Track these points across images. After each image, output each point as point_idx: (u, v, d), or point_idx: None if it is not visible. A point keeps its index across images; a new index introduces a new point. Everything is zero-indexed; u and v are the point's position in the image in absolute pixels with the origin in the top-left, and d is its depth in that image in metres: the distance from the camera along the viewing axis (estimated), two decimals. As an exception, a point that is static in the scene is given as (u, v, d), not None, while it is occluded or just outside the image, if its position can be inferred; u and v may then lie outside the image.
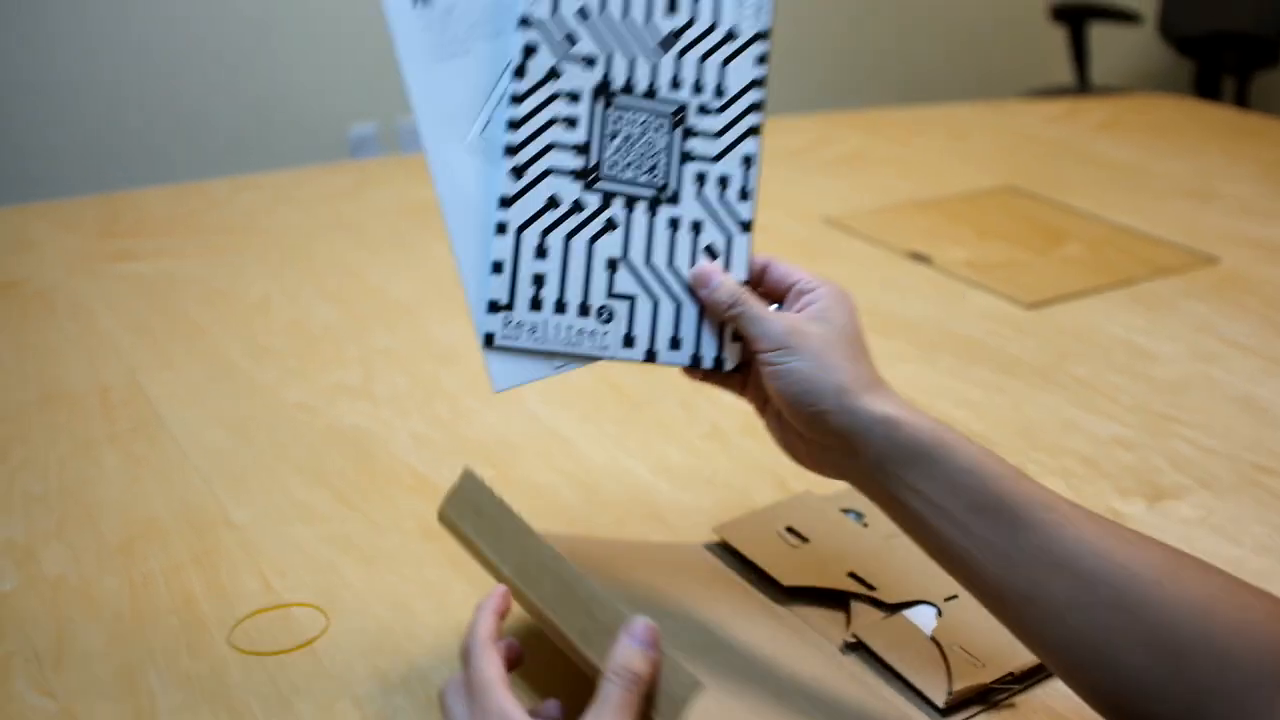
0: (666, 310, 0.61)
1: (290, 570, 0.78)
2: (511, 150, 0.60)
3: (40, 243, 1.37)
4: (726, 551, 0.79)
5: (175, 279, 1.26)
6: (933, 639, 0.70)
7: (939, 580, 0.74)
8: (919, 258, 1.35)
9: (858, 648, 0.70)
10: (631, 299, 0.61)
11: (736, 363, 0.63)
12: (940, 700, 0.65)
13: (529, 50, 0.59)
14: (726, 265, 0.63)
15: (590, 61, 0.60)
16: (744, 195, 0.62)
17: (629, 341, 0.61)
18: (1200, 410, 1.02)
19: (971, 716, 0.66)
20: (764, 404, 0.66)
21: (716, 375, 0.65)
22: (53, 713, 0.66)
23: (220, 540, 0.82)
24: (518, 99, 0.59)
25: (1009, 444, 0.95)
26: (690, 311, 0.62)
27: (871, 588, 0.74)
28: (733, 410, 1.00)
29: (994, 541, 0.57)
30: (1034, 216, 1.51)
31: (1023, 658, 0.68)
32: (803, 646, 0.70)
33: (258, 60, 2.76)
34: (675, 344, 0.62)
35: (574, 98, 0.59)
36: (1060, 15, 3.35)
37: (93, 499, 0.87)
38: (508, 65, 0.60)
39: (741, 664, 0.67)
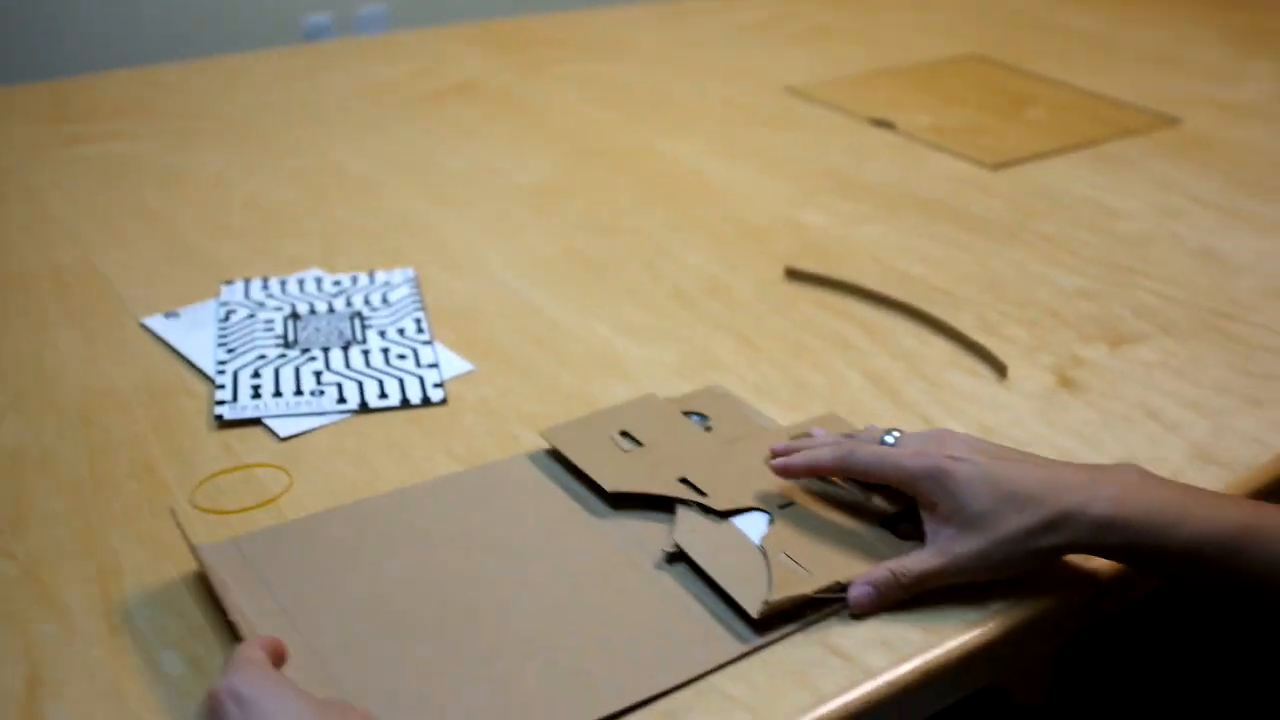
0: (370, 384, 0.83)
1: (252, 436, 0.78)
2: (223, 344, 0.88)
3: (-12, 130, 1.34)
4: (556, 460, 0.75)
5: (128, 162, 1.24)
6: (759, 547, 0.65)
7: (775, 486, 0.70)
8: (882, 124, 1.34)
9: (679, 558, 0.65)
10: (338, 384, 0.83)
11: (444, 398, 0.81)
12: (754, 610, 0.60)
13: (229, 313, 0.92)
14: (417, 362, 0.86)
15: (279, 309, 0.93)
16: (420, 330, 0.90)
17: (341, 400, 0.81)
18: (1162, 263, 1.02)
19: (787, 635, 0.61)
20: None
21: None
22: (14, 575, 0.66)
23: (180, 409, 0.81)
24: (224, 329, 0.90)
25: (975, 297, 0.95)
26: (393, 382, 0.83)
27: (702, 494, 0.69)
28: (696, 273, 1.00)
29: None
30: (998, 83, 1.49)
31: (854, 568, 0.64)
32: (616, 558, 0.66)
33: (207, -49, 2.69)
34: (383, 394, 0.82)
35: (269, 321, 0.91)
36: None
37: (49, 373, 0.86)
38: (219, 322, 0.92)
39: (548, 581, 0.64)
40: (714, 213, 1.11)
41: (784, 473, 0.68)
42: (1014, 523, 0.60)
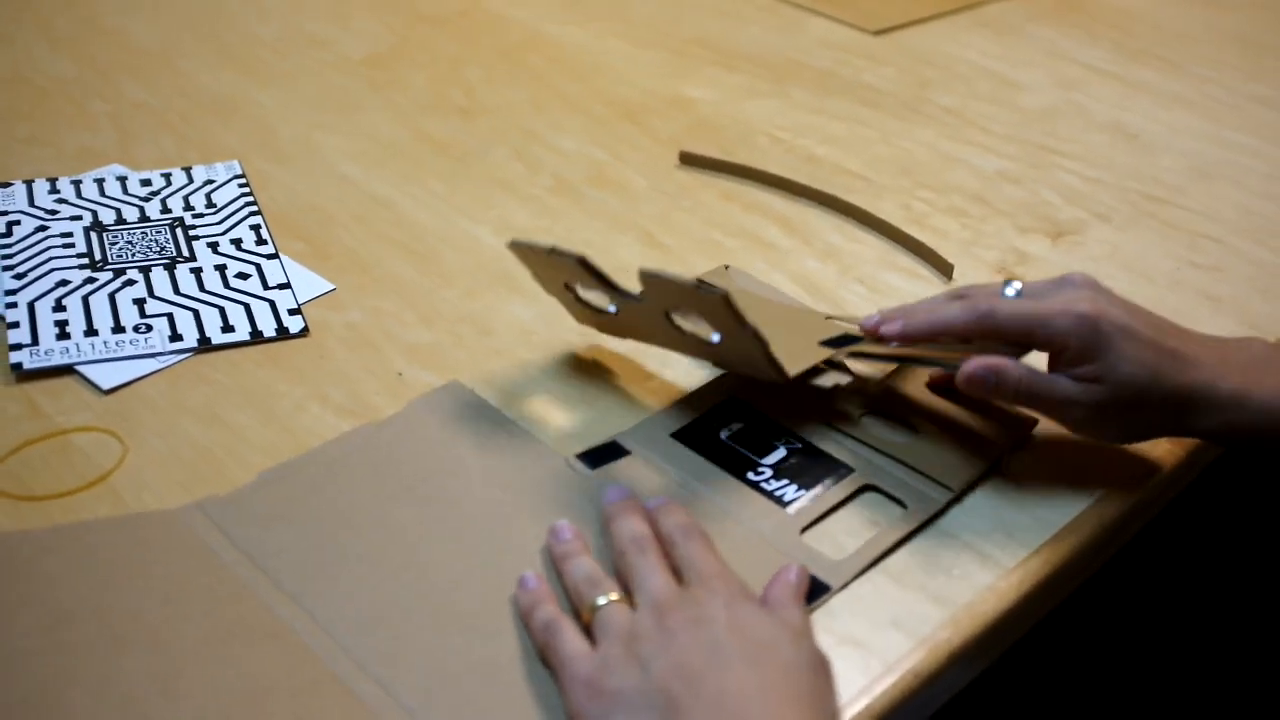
0: (210, 314, 0.67)
1: (65, 389, 0.61)
2: (8, 268, 0.69)
3: None
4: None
5: None
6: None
7: None
8: (745, -16, 1.21)
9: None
10: (168, 316, 0.66)
11: (304, 327, 0.66)
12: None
13: (10, 225, 0.73)
14: (264, 282, 0.69)
15: (77, 218, 0.74)
16: (260, 239, 0.74)
17: (175, 338, 0.65)
18: (1076, 140, 0.93)
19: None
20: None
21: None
22: None
23: (-40, 354, 0.63)
24: (7, 248, 0.71)
25: (891, 182, 0.85)
26: (237, 310, 0.67)
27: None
28: (576, 160, 0.86)
29: None
30: (856, -62, 1.38)
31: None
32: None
33: None
34: (228, 328, 0.66)
35: (67, 235, 0.73)
36: None
37: None
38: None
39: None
40: (581, 88, 0.97)
41: (901, 337, 0.58)
42: (1160, 388, 0.54)
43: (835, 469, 0.58)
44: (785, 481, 0.57)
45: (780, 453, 0.59)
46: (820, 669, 0.46)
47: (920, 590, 0.53)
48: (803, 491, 0.56)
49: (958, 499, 0.57)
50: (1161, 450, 0.61)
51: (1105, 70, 1.06)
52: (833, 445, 0.59)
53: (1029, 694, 0.72)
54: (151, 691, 0.45)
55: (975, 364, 0.55)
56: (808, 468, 0.58)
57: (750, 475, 0.57)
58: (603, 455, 0.58)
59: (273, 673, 0.46)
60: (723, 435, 0.60)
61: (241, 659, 0.46)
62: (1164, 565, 0.88)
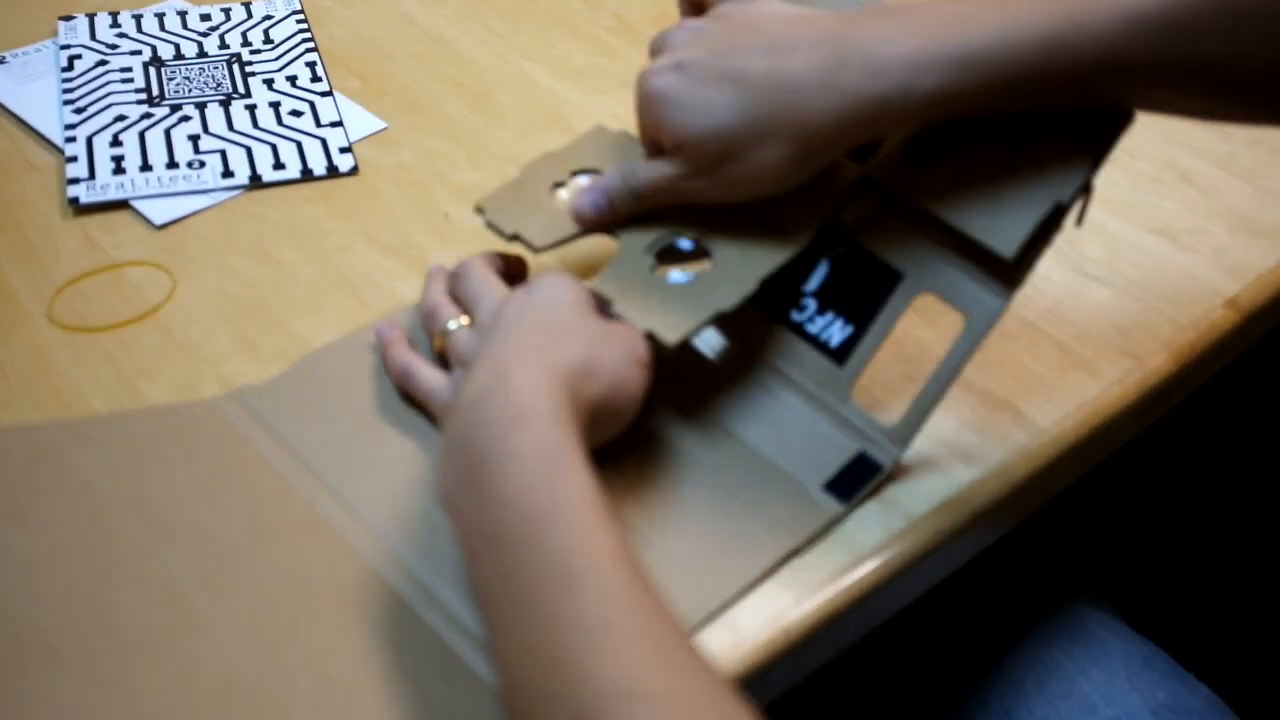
0: (262, 151, 0.68)
1: (119, 223, 0.63)
2: (69, 102, 0.71)
3: None
4: None
5: None
6: None
7: None
8: None
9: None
10: (221, 152, 0.67)
11: (354, 166, 0.67)
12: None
13: (72, 59, 0.75)
14: (316, 120, 0.70)
15: (136, 52, 0.75)
16: (315, 77, 0.74)
17: (227, 174, 0.66)
18: None
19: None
20: None
21: None
22: None
23: (22, 190, 0.65)
24: (69, 81, 0.73)
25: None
26: (290, 148, 0.68)
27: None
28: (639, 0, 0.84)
29: None
30: None
31: None
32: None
33: None
34: (279, 166, 0.67)
35: (126, 69, 0.74)
36: None
37: None
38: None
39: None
40: (651, -80, 0.94)
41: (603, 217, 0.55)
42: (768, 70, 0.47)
43: (884, 279, 0.51)
44: (830, 317, 0.52)
45: (823, 270, 0.53)
46: (618, 375, 0.46)
47: (948, 447, 0.53)
48: (850, 327, 0.51)
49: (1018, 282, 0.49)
50: (1201, 327, 0.59)
51: None
52: (880, 237, 0.52)
53: (1051, 559, 0.72)
54: (195, 586, 0.45)
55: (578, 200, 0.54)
56: (854, 285, 0.52)
57: (793, 314, 0.53)
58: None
59: (315, 569, 0.46)
60: None
61: (284, 554, 0.46)
62: (1195, 443, 0.86)
